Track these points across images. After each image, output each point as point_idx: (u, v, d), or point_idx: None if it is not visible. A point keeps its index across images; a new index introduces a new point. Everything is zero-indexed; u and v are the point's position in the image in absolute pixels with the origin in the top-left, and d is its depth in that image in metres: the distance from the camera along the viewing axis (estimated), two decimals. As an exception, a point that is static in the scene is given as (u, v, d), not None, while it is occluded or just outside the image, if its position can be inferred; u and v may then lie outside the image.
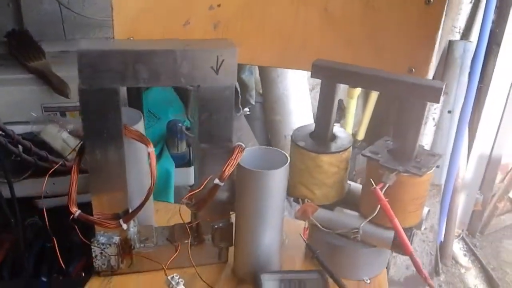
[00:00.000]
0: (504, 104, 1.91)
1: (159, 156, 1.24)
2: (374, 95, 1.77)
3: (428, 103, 0.69)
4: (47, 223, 0.77)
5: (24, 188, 1.20)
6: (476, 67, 1.71)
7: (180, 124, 1.22)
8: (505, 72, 1.83)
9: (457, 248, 2.16)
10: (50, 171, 0.82)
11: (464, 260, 2.11)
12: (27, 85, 1.25)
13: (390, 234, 0.77)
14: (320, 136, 0.79)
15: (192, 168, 1.28)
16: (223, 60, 0.67)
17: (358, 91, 1.61)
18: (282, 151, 0.77)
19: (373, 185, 0.69)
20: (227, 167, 0.72)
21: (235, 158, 0.72)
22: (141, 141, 0.75)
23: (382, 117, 1.85)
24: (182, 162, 1.27)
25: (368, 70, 0.71)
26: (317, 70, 0.73)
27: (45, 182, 0.78)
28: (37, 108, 1.25)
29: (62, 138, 1.15)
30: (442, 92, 0.66)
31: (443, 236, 2.00)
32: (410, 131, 0.71)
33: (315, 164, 0.78)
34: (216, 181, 0.72)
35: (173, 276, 0.71)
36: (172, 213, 1.01)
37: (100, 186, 0.74)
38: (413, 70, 0.77)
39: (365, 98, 1.86)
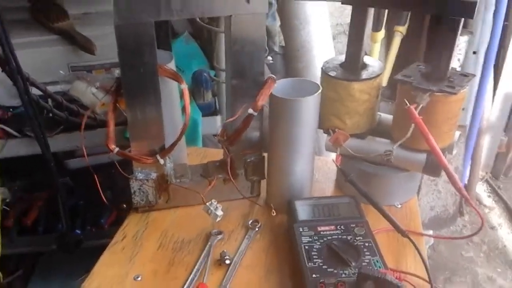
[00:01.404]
0: (529, 42, 1.86)
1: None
2: (397, 40, 1.73)
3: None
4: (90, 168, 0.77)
5: (57, 143, 1.23)
6: (501, 4, 1.66)
7: (205, 74, 1.23)
8: (531, 8, 1.78)
9: (481, 190, 2.17)
10: (82, 123, 0.84)
11: (488, 201, 2.13)
12: (53, 46, 1.26)
13: (423, 156, 0.78)
14: (351, 65, 0.79)
15: (218, 117, 1.30)
16: (253, -12, 0.67)
17: (381, 34, 1.58)
18: (313, 81, 0.77)
19: (407, 105, 0.70)
20: (260, 96, 0.73)
21: (268, 88, 0.73)
22: (174, 78, 0.76)
23: (405, 64, 1.82)
24: (208, 111, 1.29)
25: (399, -10, 0.70)
26: (347, -6, 0.73)
27: (82, 134, 0.79)
28: (64, 68, 1.27)
29: (91, 92, 1.17)
30: (476, 7, 0.65)
31: (467, 178, 2.00)
32: (444, 51, 0.71)
33: (347, 92, 0.78)
34: (250, 111, 0.73)
35: (211, 202, 0.74)
36: (202, 156, 1.03)
37: (137, 124, 0.76)
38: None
39: (387, 45, 1.83)
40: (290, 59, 1.51)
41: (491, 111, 1.98)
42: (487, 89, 1.80)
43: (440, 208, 1.91)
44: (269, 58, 1.30)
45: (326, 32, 1.54)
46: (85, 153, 0.79)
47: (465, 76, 0.74)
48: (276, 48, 1.32)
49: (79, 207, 1.48)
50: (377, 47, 1.54)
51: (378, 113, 0.86)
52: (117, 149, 0.76)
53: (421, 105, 0.70)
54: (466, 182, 2.02)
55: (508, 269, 1.81)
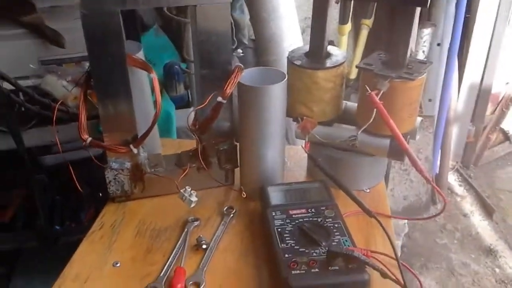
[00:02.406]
0: (491, 33, 1.93)
1: (158, 99, 1.27)
2: (364, 33, 1.79)
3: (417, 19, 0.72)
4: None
5: (30, 138, 1.23)
6: (463, -3, 1.73)
7: (177, 66, 1.25)
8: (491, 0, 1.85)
9: (452, 179, 2.23)
10: (54, 114, 0.85)
11: (459, 189, 2.19)
12: (22, 39, 1.25)
13: (386, 141, 0.81)
14: (315, 54, 0.82)
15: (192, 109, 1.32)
16: (217, -22, 0.69)
17: (348, 27, 1.63)
18: (279, 69, 0.80)
19: (368, 91, 0.73)
20: (228, 85, 0.75)
21: (235, 76, 0.76)
22: (144, 68, 0.78)
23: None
24: (181, 104, 1.31)
25: (359, -20, 0.73)
26: (308, -15, 0.76)
27: (54, 125, 0.79)
28: (34, 62, 1.27)
29: (62, 85, 1.18)
30: (429, -4, 0.69)
31: (438, 168, 2.06)
32: (401, 39, 0.74)
33: (312, 81, 0.81)
34: (219, 99, 0.76)
35: (185, 189, 0.76)
36: (176, 147, 1.04)
37: (108, 114, 0.77)
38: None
39: (355, 37, 1.88)
40: (261, 52, 1.54)
41: (458, 101, 2.05)
42: (453, 80, 1.87)
43: (413, 197, 1.97)
44: (239, 51, 1.33)
45: (294, 25, 1.57)
46: (58, 144, 0.80)
47: (424, 63, 0.78)
48: (246, 41, 1.34)
49: (57, 203, 1.49)
50: (345, 40, 1.59)
51: (344, 101, 0.90)
52: (90, 139, 0.77)
53: (382, 91, 0.74)
54: (437, 172, 2.09)
55: (481, 254, 1.88)
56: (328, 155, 0.87)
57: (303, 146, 0.85)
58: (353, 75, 1.86)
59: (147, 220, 0.82)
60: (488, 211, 2.06)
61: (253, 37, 1.61)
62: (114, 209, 0.85)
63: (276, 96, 0.77)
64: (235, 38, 1.22)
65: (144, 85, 0.85)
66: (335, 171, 0.83)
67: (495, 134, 2.28)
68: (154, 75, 0.77)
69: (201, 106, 0.77)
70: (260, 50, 1.54)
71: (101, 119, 0.78)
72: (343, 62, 0.82)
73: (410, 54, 0.78)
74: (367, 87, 0.74)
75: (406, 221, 1.92)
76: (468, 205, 2.11)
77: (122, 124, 0.79)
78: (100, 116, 0.78)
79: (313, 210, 0.76)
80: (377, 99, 0.73)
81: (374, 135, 0.82)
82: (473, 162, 2.31)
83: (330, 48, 0.85)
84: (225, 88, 0.75)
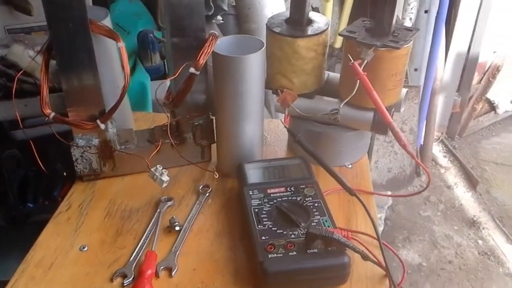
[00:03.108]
0: (479, 0, 1.88)
1: (132, 70, 1.21)
2: (349, 0, 1.72)
3: None
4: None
5: (-5, 112, 1.16)
6: (452, -38, 1.67)
7: (151, 35, 1.18)
8: (481, -34, 1.79)
9: (436, 150, 2.22)
10: (13, 86, 0.79)
11: (443, 161, 2.18)
12: (-14, 6, 1.18)
13: (370, 115, 0.77)
14: (295, 21, 0.77)
15: (169, 81, 1.26)
16: None
17: (333, -6, 1.56)
18: (257, 37, 0.75)
19: (351, 61, 0.68)
20: (201, 54, 0.69)
21: (209, 45, 0.70)
22: (110, 36, 0.72)
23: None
24: (157, 74, 1.24)
25: None
26: None
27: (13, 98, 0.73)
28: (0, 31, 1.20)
29: (29, 56, 1.10)
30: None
31: (422, 139, 2.04)
32: (387, 5, 0.69)
33: (292, 50, 0.76)
34: (192, 70, 0.70)
35: (156, 168, 0.71)
36: (151, 121, 1.00)
37: (72, 86, 0.72)
38: None
39: (341, 4, 1.82)
40: (242, 20, 1.47)
41: (444, 71, 2.01)
42: (440, 48, 1.82)
43: (397, 169, 1.95)
44: (219, 17, 1.25)
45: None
46: (18, 117, 0.75)
47: (410, 30, 0.73)
48: (225, 7, 1.26)
49: (29, 180, 1.43)
50: (330, 7, 1.52)
51: (326, 72, 0.85)
52: (53, 114, 0.72)
53: (365, 61, 0.69)
54: (422, 143, 2.06)
55: (464, 226, 1.87)
56: (309, 129, 0.82)
57: (282, 120, 0.80)
58: (338, 44, 1.80)
59: (117, 200, 0.78)
60: (472, 182, 2.05)
61: (234, 3, 1.53)
62: (83, 188, 0.80)
63: (253, 66, 0.71)
64: (212, 4, 1.14)
65: (113, 55, 0.79)
66: (316, 146, 0.79)
67: (481, 104, 2.26)
68: (121, 45, 0.71)
69: (171, 78, 0.72)
70: (241, 17, 1.46)
71: (64, 92, 0.72)
72: (325, 30, 0.76)
73: (396, 21, 0.73)
74: (350, 57, 0.69)
75: (389, 193, 1.90)
76: (452, 176, 2.10)
77: (88, 98, 0.74)
78: (63, 89, 0.72)
79: (292, 188, 0.72)
80: (360, 69, 0.68)
81: (357, 108, 0.77)
82: (458, 132, 2.29)
83: (312, 15, 0.79)
84: (198, 58, 0.69)
